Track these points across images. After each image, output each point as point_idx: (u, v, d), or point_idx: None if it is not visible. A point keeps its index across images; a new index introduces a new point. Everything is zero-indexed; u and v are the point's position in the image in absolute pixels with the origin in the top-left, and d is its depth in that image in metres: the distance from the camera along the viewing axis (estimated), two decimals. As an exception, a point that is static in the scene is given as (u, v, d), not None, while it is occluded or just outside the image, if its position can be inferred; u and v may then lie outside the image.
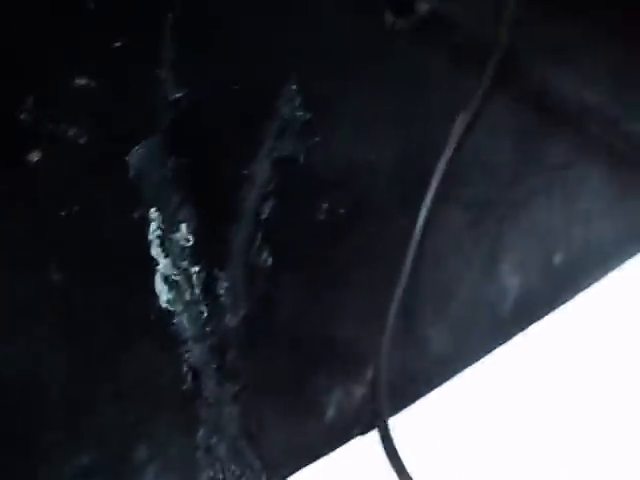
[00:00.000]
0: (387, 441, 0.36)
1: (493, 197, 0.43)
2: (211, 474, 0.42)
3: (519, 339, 0.39)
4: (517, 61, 0.45)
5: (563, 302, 0.40)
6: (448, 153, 0.43)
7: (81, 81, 0.53)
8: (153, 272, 0.47)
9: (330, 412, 0.42)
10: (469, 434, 0.37)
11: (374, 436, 0.39)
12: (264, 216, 0.46)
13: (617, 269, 0.40)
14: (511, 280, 0.42)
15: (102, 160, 0.51)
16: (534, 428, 0.37)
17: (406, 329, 0.41)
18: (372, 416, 0.39)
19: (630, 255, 0.40)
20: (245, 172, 0.48)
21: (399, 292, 0.41)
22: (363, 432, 0.41)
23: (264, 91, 0.50)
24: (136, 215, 0.48)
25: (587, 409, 0.37)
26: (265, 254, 0.45)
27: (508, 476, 0.36)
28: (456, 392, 0.38)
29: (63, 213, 0.49)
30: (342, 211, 0.45)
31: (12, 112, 0.53)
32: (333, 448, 0.41)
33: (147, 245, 0.48)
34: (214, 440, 0.43)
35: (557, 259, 0.41)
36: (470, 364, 0.40)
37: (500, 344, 0.40)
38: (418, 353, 0.41)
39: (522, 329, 0.40)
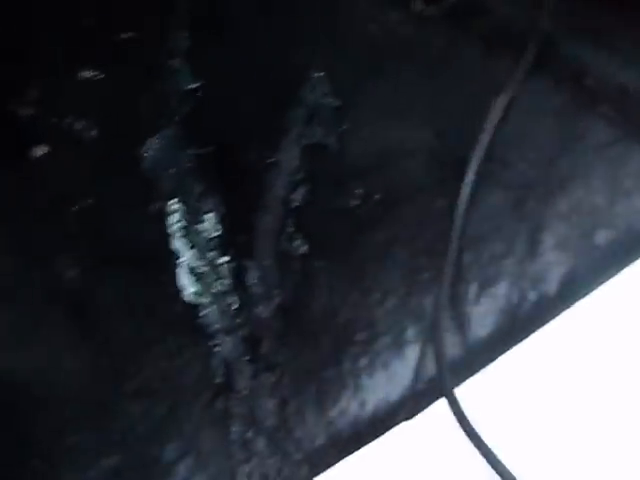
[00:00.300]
0: (456, 407, 0.43)
1: (534, 178, 0.52)
2: (248, 469, 0.49)
3: (566, 316, 0.48)
4: (555, 45, 0.54)
5: (607, 279, 0.49)
6: (487, 135, 0.52)
7: (87, 73, 0.61)
8: (174, 265, 0.54)
9: (372, 398, 0.49)
10: (527, 406, 0.45)
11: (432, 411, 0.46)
12: (295, 204, 0.54)
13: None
14: (555, 259, 0.50)
15: (114, 154, 0.58)
16: (586, 399, 0.45)
17: (453, 312, 0.49)
18: (430, 391, 0.46)
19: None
20: (272, 160, 0.56)
21: (445, 276, 0.49)
22: (408, 417, 0.48)
23: (288, 79, 0.58)
24: (153, 208, 0.56)
25: (636, 381, 0.45)
26: (298, 242, 0.53)
27: (569, 436, 0.44)
28: (508, 368, 0.46)
29: (75, 208, 0.57)
30: (377, 196, 0.53)
31: (14, 106, 0.60)
32: (377, 435, 0.48)
33: (166, 238, 0.55)
34: (250, 434, 0.50)
35: (600, 238, 0.50)
36: (517, 342, 0.48)
37: (546, 323, 0.48)
38: (465, 334, 0.49)
39: (567, 307, 0.49)
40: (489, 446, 0.43)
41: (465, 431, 0.43)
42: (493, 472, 0.43)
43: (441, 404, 0.46)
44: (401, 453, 0.47)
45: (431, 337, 0.48)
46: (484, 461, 0.43)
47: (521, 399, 0.45)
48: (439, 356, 0.45)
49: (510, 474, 0.42)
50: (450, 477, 0.45)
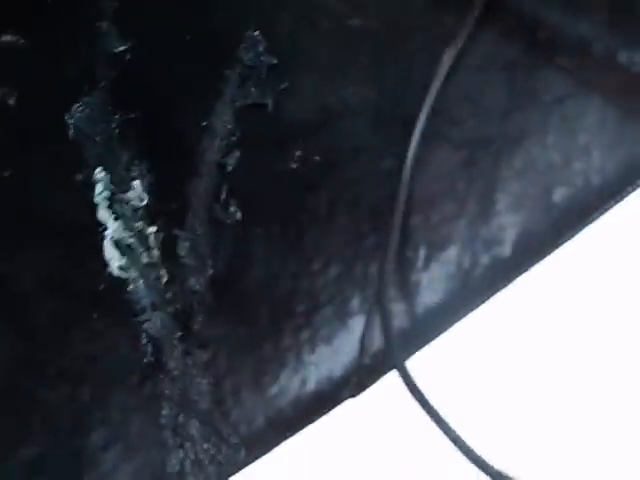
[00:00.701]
0: (407, 379, 0.40)
1: (485, 135, 0.49)
2: (181, 455, 0.46)
3: (521, 280, 0.45)
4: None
5: (565, 240, 0.46)
6: (434, 91, 0.49)
7: (8, 38, 0.58)
8: (101, 238, 0.51)
9: (315, 375, 0.46)
10: (481, 376, 0.42)
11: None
12: (229, 168, 0.51)
13: (619, 202, 0.45)
14: (509, 220, 0.47)
15: (36, 121, 0.55)
16: (539, 366, 0.42)
17: (400, 279, 0.46)
18: (378, 365, 0.43)
19: (633, 187, 0.46)
20: (204, 124, 0.52)
21: (391, 240, 0.46)
22: (354, 394, 0.45)
23: (221, 39, 0.55)
24: (79, 178, 0.52)
25: (590, 346, 0.43)
26: (232, 209, 0.50)
27: (522, 404, 0.41)
28: (460, 336, 0.43)
29: (-9, 179, 0.53)
30: (317, 158, 0.50)
31: None
32: (321, 414, 0.45)
33: (91, 210, 0.52)
34: (182, 418, 0.46)
35: (557, 196, 0.47)
36: (470, 310, 0.45)
37: (501, 288, 0.45)
38: (413, 303, 0.46)
39: (523, 270, 0.46)
40: (443, 416, 0.40)
41: (419, 402, 0.40)
42: (448, 442, 0.40)
43: (390, 378, 0.42)
44: (349, 431, 0.43)
45: (377, 307, 0.45)
46: (438, 431, 0.40)
47: (475, 369, 0.42)
48: (386, 327, 0.42)
49: (465, 443, 0.39)
50: (404, 451, 0.41)
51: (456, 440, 0.40)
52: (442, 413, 0.41)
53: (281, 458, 0.44)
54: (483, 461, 0.39)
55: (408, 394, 0.41)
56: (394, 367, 0.42)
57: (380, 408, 0.44)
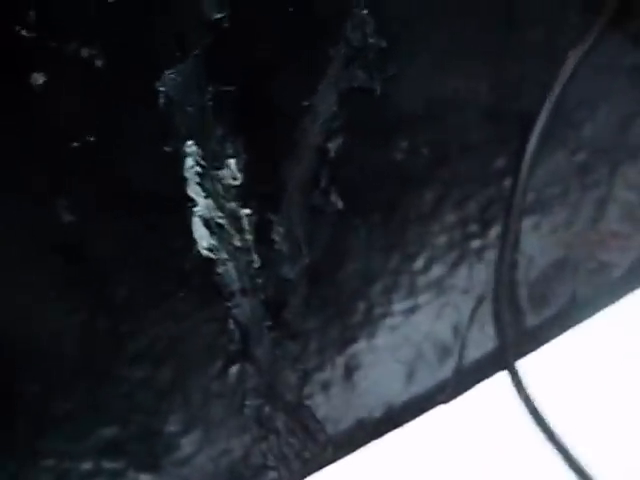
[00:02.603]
0: (517, 381, 0.44)
1: (603, 141, 0.52)
2: (264, 448, 0.49)
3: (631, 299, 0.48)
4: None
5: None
6: (556, 91, 0.52)
7: (96, -6, 0.61)
8: (189, 214, 0.54)
9: (408, 377, 0.49)
10: (590, 382, 0.46)
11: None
12: (331, 154, 0.54)
13: None
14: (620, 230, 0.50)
15: (125, 86, 0.58)
16: None
17: (512, 283, 0.49)
18: (481, 367, 0.47)
19: None
20: (306, 103, 0.55)
21: (507, 241, 0.49)
22: (447, 400, 0.49)
23: (328, 14, 0.58)
24: (168, 149, 0.56)
25: None
26: (332, 196, 0.53)
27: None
28: (574, 344, 0.47)
29: (75, 144, 0.56)
30: (425, 151, 0.53)
31: (11, 27, 0.60)
32: (412, 418, 0.48)
33: (180, 184, 0.55)
34: (267, 409, 0.50)
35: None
36: (582, 318, 0.48)
37: (613, 303, 0.48)
38: (525, 306, 0.49)
39: (633, 289, 0.49)
40: (549, 422, 0.43)
41: (526, 406, 0.43)
42: (552, 448, 0.43)
43: (491, 383, 0.46)
44: (442, 434, 0.46)
45: (478, 312, 0.48)
46: (545, 440, 0.43)
47: (587, 377, 0.45)
48: (500, 326, 0.45)
49: (569, 452, 0.42)
50: (502, 455, 0.45)
51: (561, 448, 0.43)
52: (548, 418, 0.44)
53: (367, 458, 0.47)
54: (585, 473, 0.43)
55: (514, 397, 0.45)
56: (505, 368, 0.45)
57: (479, 411, 0.47)
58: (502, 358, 0.46)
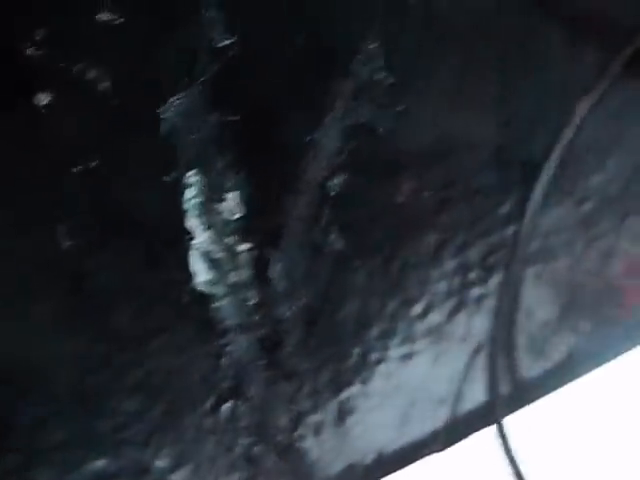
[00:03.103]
0: (504, 439, 0.45)
1: (611, 192, 0.53)
2: (253, 489, 0.50)
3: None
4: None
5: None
6: (565, 140, 0.53)
7: (105, 16, 0.62)
8: (187, 247, 0.55)
9: (402, 424, 0.50)
10: (581, 441, 0.47)
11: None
12: (334, 191, 0.55)
13: None
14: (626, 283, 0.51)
15: (128, 110, 0.59)
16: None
17: (510, 334, 0.50)
18: (477, 417, 0.47)
19: None
20: (309, 138, 0.56)
21: (506, 293, 0.50)
22: (441, 449, 0.50)
23: (337, 47, 0.59)
24: (169, 178, 0.56)
25: None
26: (333, 235, 0.54)
27: None
28: (572, 398, 0.48)
29: (76, 169, 0.57)
30: (429, 193, 0.54)
31: (18, 46, 0.61)
32: (403, 466, 0.49)
33: (180, 215, 0.55)
34: (258, 449, 0.51)
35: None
36: (578, 374, 0.49)
37: (613, 358, 0.49)
38: (523, 362, 0.50)
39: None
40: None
41: (512, 469, 0.44)
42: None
43: (480, 436, 0.47)
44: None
45: (474, 362, 0.49)
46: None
47: (572, 439, 0.46)
48: (493, 381, 0.46)
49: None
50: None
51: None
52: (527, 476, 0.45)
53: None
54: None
55: (499, 452, 0.46)
56: (495, 422, 0.46)
57: (466, 463, 0.48)
58: (492, 413, 0.47)
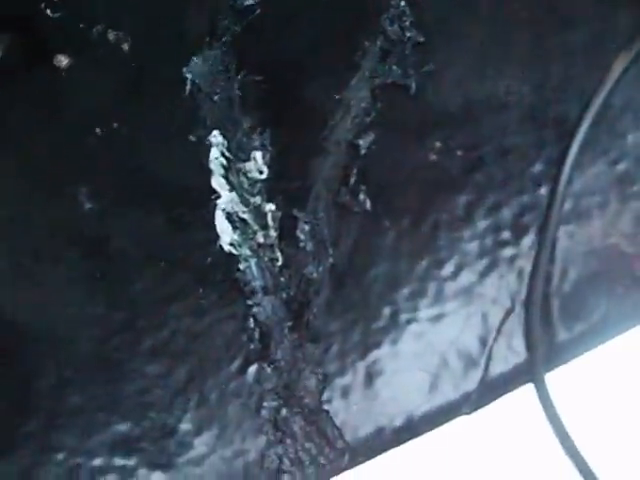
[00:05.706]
0: (545, 397, 0.46)
1: (646, 151, 0.54)
2: (280, 451, 0.51)
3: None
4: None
5: None
6: (600, 99, 0.54)
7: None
8: (212, 207, 0.56)
9: (431, 386, 0.51)
10: (617, 401, 0.48)
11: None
12: (362, 151, 0.56)
13: None
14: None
15: (151, 71, 0.60)
16: None
17: (545, 295, 0.51)
18: (507, 379, 0.49)
19: None
20: (337, 97, 0.57)
21: (540, 253, 0.51)
22: (471, 411, 0.51)
23: (364, 5, 0.59)
24: (193, 138, 0.57)
25: None
26: (361, 195, 0.55)
27: None
28: (604, 360, 0.49)
29: (98, 130, 0.58)
30: (460, 152, 0.55)
31: (36, 6, 0.62)
32: (433, 427, 0.50)
33: (204, 175, 0.57)
34: (285, 412, 0.52)
35: None
36: (617, 335, 0.50)
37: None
38: (558, 318, 0.51)
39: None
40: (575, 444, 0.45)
41: (553, 426, 0.45)
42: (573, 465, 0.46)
43: (516, 396, 0.48)
44: (463, 446, 0.48)
45: (506, 323, 0.50)
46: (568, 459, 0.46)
47: (615, 395, 0.47)
48: (530, 338, 0.47)
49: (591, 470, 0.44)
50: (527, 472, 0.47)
51: (584, 468, 0.45)
52: (574, 437, 0.46)
53: (384, 466, 0.49)
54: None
55: (540, 412, 0.47)
56: (532, 382, 0.47)
57: (501, 424, 0.49)
58: (530, 372, 0.48)
